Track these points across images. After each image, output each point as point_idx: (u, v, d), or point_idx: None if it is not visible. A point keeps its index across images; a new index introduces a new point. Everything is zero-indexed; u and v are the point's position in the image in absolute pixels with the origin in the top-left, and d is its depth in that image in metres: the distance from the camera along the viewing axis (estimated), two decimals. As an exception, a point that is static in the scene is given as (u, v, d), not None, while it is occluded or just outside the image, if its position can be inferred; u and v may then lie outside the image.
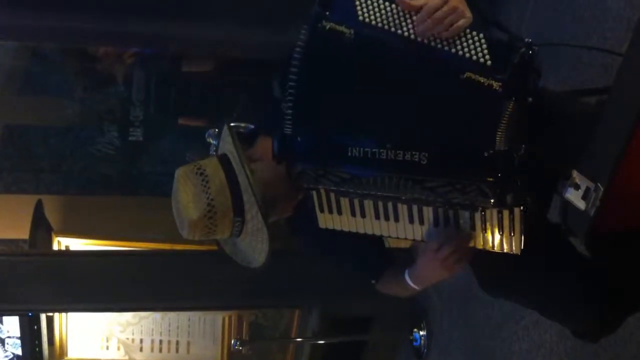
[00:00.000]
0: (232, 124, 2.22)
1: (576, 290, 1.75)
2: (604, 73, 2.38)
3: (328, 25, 1.38)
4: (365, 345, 4.05)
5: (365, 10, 1.39)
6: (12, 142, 4.62)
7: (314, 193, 1.55)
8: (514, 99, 1.31)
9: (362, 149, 1.37)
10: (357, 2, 1.40)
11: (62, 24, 3.39)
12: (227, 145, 1.58)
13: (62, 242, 3.98)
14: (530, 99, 1.37)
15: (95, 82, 4.68)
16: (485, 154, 1.31)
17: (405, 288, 1.69)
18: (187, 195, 1.52)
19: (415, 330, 3.71)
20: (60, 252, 3.93)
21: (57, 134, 4.74)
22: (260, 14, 3.34)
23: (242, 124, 2.53)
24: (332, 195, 1.55)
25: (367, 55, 1.39)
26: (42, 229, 3.83)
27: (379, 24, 1.38)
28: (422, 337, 3.67)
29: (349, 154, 1.38)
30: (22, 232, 3.84)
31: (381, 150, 1.36)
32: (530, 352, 2.76)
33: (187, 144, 4.66)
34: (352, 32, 1.38)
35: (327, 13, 1.39)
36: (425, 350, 3.67)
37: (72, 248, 4.00)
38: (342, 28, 1.38)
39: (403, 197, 1.45)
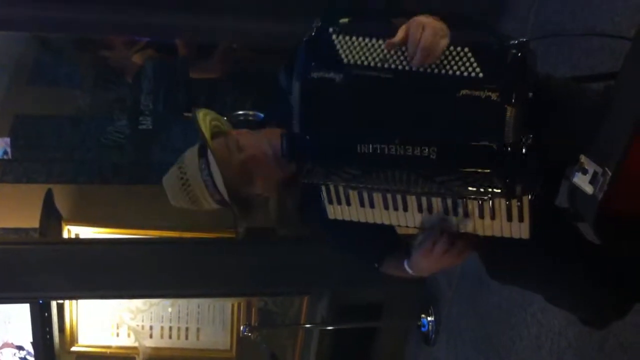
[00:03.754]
0: (241, 112, 2.23)
1: (584, 278, 1.75)
2: (615, 57, 2.36)
3: (316, 75, 1.40)
4: (374, 332, 4.07)
5: (348, 53, 1.40)
6: (23, 132, 4.63)
7: (323, 187, 1.57)
8: (514, 102, 1.32)
9: (371, 145, 1.38)
10: (339, 47, 1.40)
11: (71, 15, 3.39)
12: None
13: (72, 230, 4.01)
14: (530, 94, 1.37)
15: (105, 73, 4.68)
16: (494, 147, 1.33)
17: (407, 273, 1.69)
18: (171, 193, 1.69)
19: (423, 316, 3.72)
20: (70, 240, 3.96)
21: (68, 124, 4.74)
22: (268, 3, 3.34)
23: (251, 112, 2.53)
24: (341, 188, 1.56)
25: (361, 93, 1.41)
26: (52, 217, 3.85)
27: (365, 62, 1.39)
28: (430, 323, 3.68)
29: (358, 150, 1.39)
30: (32, 221, 3.85)
31: (390, 145, 1.37)
32: (538, 337, 2.76)
33: (197, 133, 4.65)
34: (341, 76, 1.40)
35: (313, 64, 1.41)
36: (433, 335, 3.68)
37: (82, 236, 4.02)
38: (330, 75, 1.40)
39: (412, 190, 1.47)
